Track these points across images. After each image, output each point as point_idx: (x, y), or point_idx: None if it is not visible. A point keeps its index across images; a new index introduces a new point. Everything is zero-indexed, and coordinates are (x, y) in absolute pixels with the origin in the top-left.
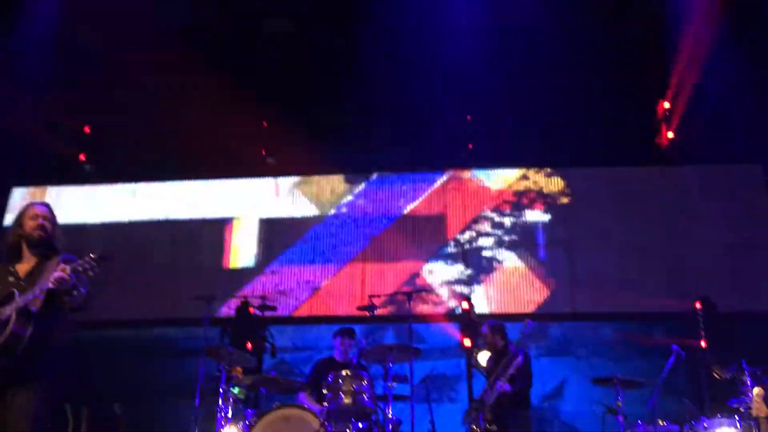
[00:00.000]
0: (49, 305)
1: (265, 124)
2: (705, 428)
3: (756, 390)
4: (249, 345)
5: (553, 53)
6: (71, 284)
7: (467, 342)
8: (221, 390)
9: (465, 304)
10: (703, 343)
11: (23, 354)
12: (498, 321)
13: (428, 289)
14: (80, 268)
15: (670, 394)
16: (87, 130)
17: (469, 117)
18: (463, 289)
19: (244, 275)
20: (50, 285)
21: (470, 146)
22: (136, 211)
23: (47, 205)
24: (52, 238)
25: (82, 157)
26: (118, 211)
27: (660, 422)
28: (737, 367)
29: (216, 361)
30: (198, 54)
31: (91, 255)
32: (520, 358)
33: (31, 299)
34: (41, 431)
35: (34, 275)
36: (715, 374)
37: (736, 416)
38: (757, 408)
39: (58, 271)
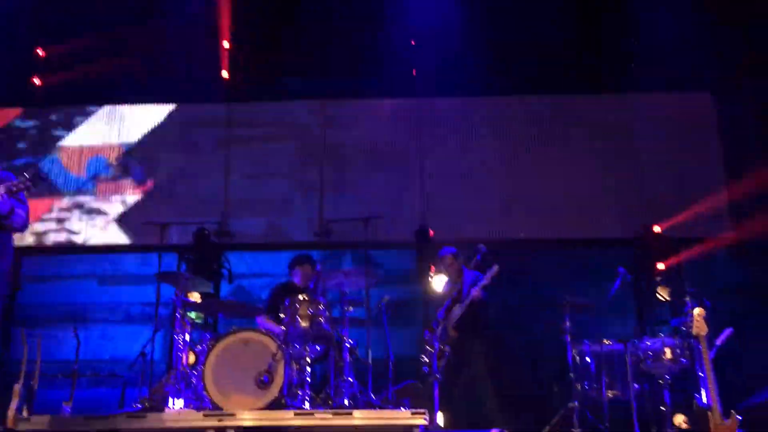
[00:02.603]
0: None
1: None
2: (647, 346)
3: (696, 310)
4: (204, 270)
5: None
6: (8, 206)
7: (423, 268)
8: (177, 315)
9: (421, 231)
10: (661, 266)
11: None
12: (452, 246)
13: (384, 216)
14: (14, 189)
15: (615, 315)
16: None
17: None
18: (419, 215)
19: (200, 201)
20: None
21: (414, 72)
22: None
23: None
24: None
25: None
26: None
27: (605, 341)
28: (680, 290)
29: (172, 287)
30: None
31: (26, 174)
32: (495, 267)
33: None
34: None
35: None
36: (659, 296)
37: (677, 335)
38: (697, 327)
39: None
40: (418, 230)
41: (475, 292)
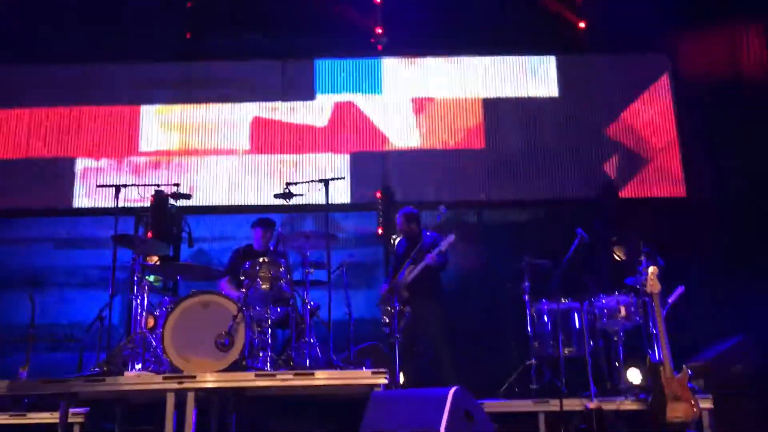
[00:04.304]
0: None
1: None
2: (603, 304)
3: (651, 269)
4: (162, 233)
5: None
6: None
7: (383, 230)
8: (135, 278)
9: (382, 193)
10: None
11: None
12: (412, 208)
13: (343, 177)
14: None
15: (572, 274)
16: None
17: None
18: (381, 177)
19: (156, 163)
20: None
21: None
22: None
23: None
24: None
25: None
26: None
27: (562, 299)
28: (635, 249)
29: (130, 250)
30: None
31: None
32: (452, 236)
33: None
34: None
35: None
36: (615, 255)
37: (631, 293)
38: (651, 285)
39: None
40: (380, 191)
41: (430, 258)
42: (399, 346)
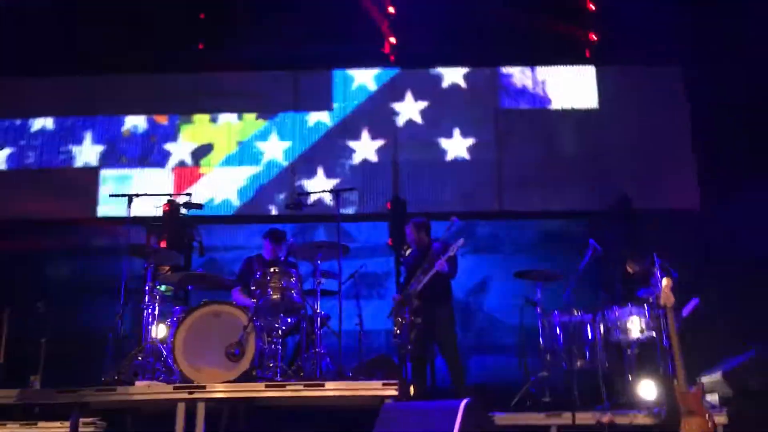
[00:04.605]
0: None
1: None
2: (616, 317)
3: (665, 281)
4: (164, 243)
5: None
6: None
7: (393, 240)
8: (147, 287)
9: (392, 203)
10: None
11: None
12: (423, 218)
13: (356, 188)
14: None
15: (585, 286)
16: None
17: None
18: (392, 188)
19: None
20: None
21: (394, 41)
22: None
23: None
24: None
25: None
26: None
27: (575, 312)
28: (648, 261)
29: (142, 260)
30: None
31: None
32: (461, 240)
33: None
34: None
35: None
36: (628, 268)
37: (645, 305)
38: (665, 297)
39: None
40: (391, 201)
41: (440, 263)
42: (410, 357)
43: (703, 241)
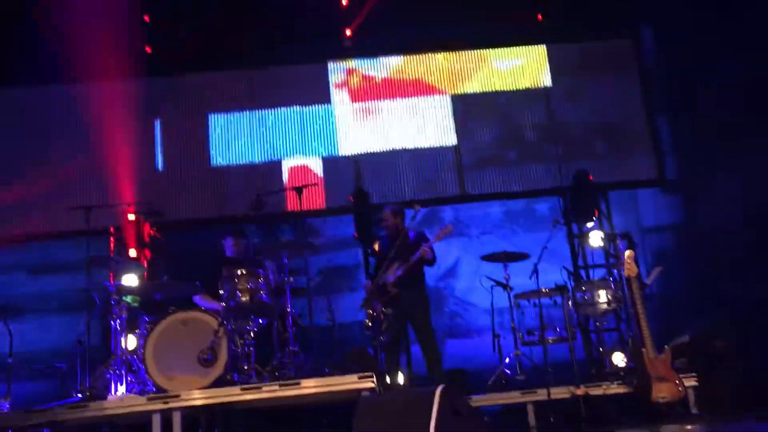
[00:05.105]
0: None
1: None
2: (584, 292)
3: (627, 252)
4: (137, 252)
5: None
6: None
7: (359, 233)
8: (113, 300)
9: (355, 196)
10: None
11: None
12: (398, 205)
13: (317, 184)
14: None
15: (552, 262)
16: None
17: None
18: (354, 180)
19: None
20: None
21: (348, 34)
22: None
23: None
24: None
25: None
26: None
27: (543, 290)
28: (610, 234)
29: (105, 271)
30: None
31: None
32: (449, 225)
33: None
34: None
35: None
36: (591, 241)
37: (610, 278)
38: (628, 268)
39: None
40: (354, 193)
41: (426, 248)
42: (384, 347)
43: (661, 211)
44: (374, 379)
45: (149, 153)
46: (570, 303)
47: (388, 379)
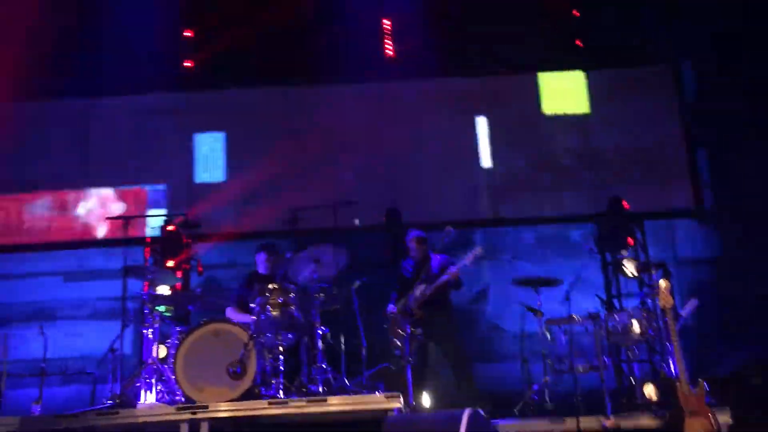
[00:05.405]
0: None
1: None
2: (616, 320)
3: (662, 283)
4: (172, 263)
5: None
6: None
7: (390, 252)
8: (146, 309)
9: (388, 215)
10: (628, 241)
11: None
12: (421, 231)
13: (353, 201)
14: None
15: (585, 290)
16: None
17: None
18: (388, 199)
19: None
20: None
21: (392, 54)
22: None
23: None
24: None
25: None
26: None
27: (574, 317)
28: (645, 263)
29: (140, 281)
30: None
31: None
32: (478, 248)
33: None
34: None
35: None
36: (625, 270)
37: (644, 308)
38: (664, 299)
39: None
40: (387, 212)
41: (455, 270)
42: (412, 368)
43: (699, 242)
44: (401, 400)
45: (186, 164)
46: (602, 331)
47: (426, 401)
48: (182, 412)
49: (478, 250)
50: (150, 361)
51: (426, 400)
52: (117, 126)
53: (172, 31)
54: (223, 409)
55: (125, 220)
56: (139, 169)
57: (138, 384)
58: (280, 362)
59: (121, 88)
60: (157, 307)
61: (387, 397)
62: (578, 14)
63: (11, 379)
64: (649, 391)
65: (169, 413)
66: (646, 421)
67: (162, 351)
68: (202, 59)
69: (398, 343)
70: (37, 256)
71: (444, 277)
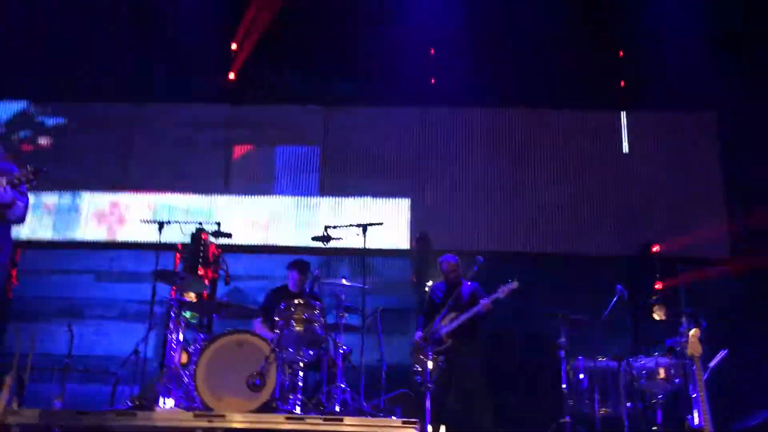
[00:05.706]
0: None
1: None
2: (641, 365)
3: (692, 331)
4: (201, 271)
5: None
6: (9, 197)
7: (417, 277)
8: (172, 314)
9: (418, 240)
10: (658, 285)
11: None
12: (455, 255)
13: (382, 223)
14: (16, 181)
15: (611, 332)
16: None
17: (432, 51)
18: (418, 224)
19: (200, 202)
20: None
21: (432, 81)
22: None
23: None
24: None
25: None
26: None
27: (599, 358)
28: (676, 309)
29: (168, 286)
30: None
31: (28, 167)
32: (515, 283)
33: None
34: None
35: None
36: (655, 315)
37: (672, 355)
38: (693, 347)
39: None
40: (418, 238)
41: (488, 303)
42: (431, 395)
43: (732, 293)
44: (417, 427)
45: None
46: (627, 375)
47: (430, 429)
48: (199, 419)
49: (514, 285)
50: (172, 366)
51: (442, 429)
52: (161, 133)
53: (222, 44)
54: (240, 420)
55: (159, 224)
56: (176, 176)
57: (158, 388)
58: (300, 378)
59: (168, 96)
60: (183, 313)
61: (404, 423)
62: (622, 54)
63: (35, 372)
64: None
65: (186, 419)
66: None
67: (184, 357)
68: (246, 74)
69: (419, 368)
70: (70, 254)
71: (475, 308)
